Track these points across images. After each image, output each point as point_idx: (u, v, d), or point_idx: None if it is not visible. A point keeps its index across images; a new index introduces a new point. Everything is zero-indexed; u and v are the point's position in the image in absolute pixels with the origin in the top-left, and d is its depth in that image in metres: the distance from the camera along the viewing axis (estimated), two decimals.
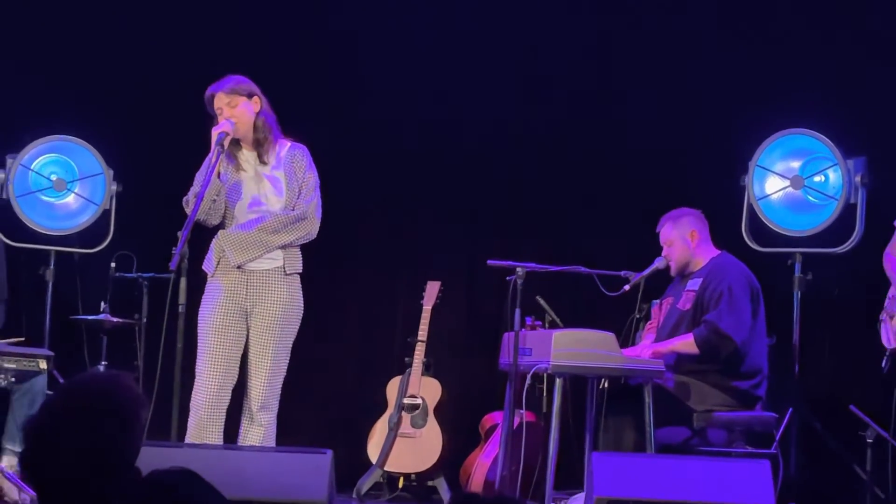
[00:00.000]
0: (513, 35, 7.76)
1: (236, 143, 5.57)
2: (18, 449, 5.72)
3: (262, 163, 5.56)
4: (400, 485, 6.88)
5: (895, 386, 5.79)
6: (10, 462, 5.88)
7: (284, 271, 5.53)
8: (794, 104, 6.95)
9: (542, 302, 6.72)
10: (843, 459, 6.43)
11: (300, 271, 5.60)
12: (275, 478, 4.50)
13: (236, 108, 5.51)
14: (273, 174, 5.57)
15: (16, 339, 6.27)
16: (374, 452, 6.84)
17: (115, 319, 6.93)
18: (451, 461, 6.93)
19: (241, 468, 4.50)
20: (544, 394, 6.70)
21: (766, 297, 6.25)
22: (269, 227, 5.49)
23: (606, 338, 5.74)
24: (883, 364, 5.75)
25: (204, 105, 5.58)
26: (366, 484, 6.82)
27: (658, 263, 6.29)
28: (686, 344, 6.06)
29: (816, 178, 6.80)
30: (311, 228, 5.57)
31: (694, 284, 6.23)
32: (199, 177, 5.47)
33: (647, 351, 6.04)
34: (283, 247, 5.52)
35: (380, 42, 7.76)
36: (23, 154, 7.17)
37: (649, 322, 6.44)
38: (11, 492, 5.54)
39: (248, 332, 5.51)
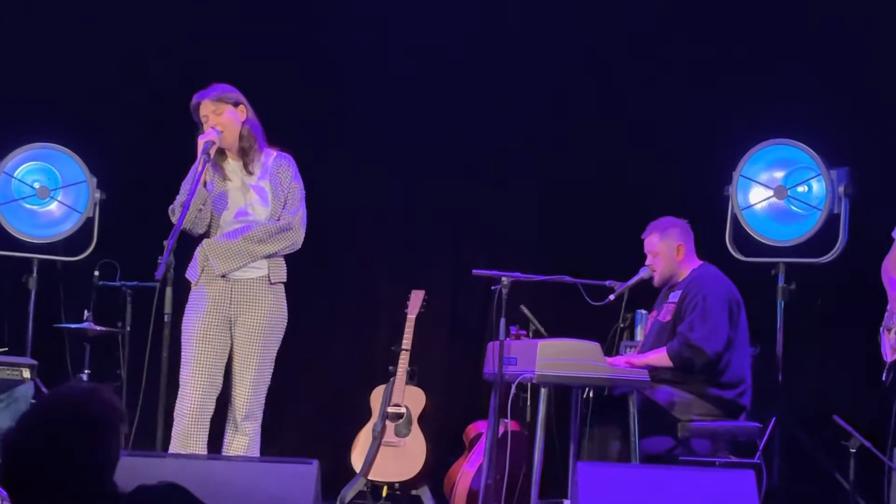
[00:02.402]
0: (499, 44, 7.76)
1: (222, 152, 5.55)
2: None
3: (248, 172, 5.55)
4: (384, 494, 6.86)
5: (894, 397, 5.80)
6: None
7: (269, 280, 5.52)
8: (778, 115, 6.97)
9: (526, 311, 6.72)
10: (827, 469, 6.44)
11: (285, 280, 5.58)
12: (260, 488, 4.48)
13: (222, 115, 5.50)
14: (259, 184, 5.55)
15: None
16: (357, 461, 6.83)
17: (98, 328, 6.91)
18: (436, 470, 6.93)
19: (226, 478, 4.47)
20: (528, 403, 6.71)
21: (749, 307, 6.25)
22: (255, 237, 5.47)
23: (591, 348, 5.74)
24: (883, 377, 5.76)
25: (189, 113, 5.56)
26: (349, 493, 6.80)
27: (643, 273, 6.30)
28: (660, 357, 6.07)
29: (800, 189, 6.83)
30: (296, 239, 5.56)
31: (675, 297, 6.24)
32: (185, 186, 5.45)
33: (621, 363, 6.04)
34: (268, 256, 5.51)
35: (367, 51, 7.76)
36: (5, 162, 7.15)
37: (640, 340, 6.45)
38: None
39: (232, 341, 5.50)
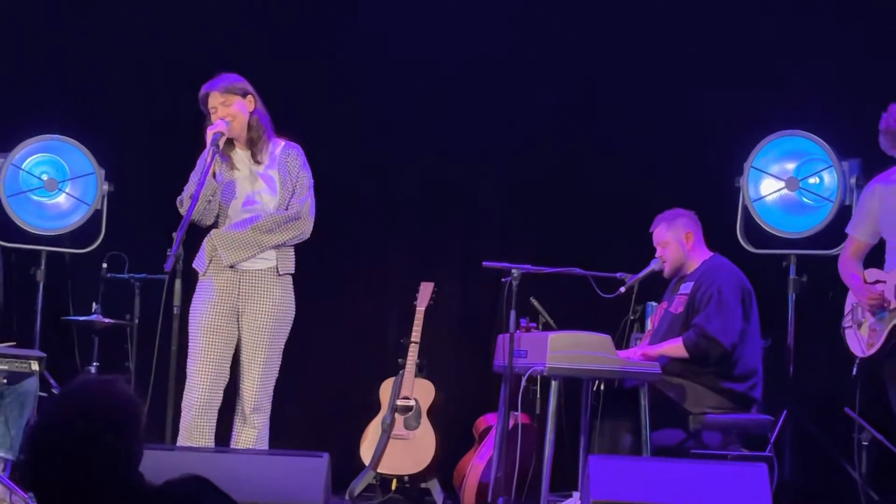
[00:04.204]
0: (507, 39, 7.73)
1: (230, 142, 5.54)
2: (8, 455, 5.67)
3: (256, 162, 5.53)
4: (393, 487, 6.85)
5: (857, 391, 5.79)
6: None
7: (277, 271, 5.51)
8: (789, 106, 6.94)
9: (535, 303, 6.70)
10: (838, 462, 6.41)
11: (293, 272, 5.57)
12: (271, 481, 4.47)
13: (231, 107, 5.48)
14: (267, 173, 5.54)
15: (8, 343, 6.22)
16: (367, 454, 6.81)
17: (106, 320, 6.89)
18: (445, 463, 6.91)
19: (236, 471, 4.47)
20: (538, 396, 6.68)
21: (760, 299, 6.23)
22: (263, 227, 5.46)
23: (602, 340, 5.71)
24: (853, 372, 5.75)
25: (197, 104, 5.55)
26: (358, 486, 6.79)
27: (653, 265, 6.28)
28: (675, 348, 6.04)
29: (811, 180, 6.80)
30: (304, 228, 5.54)
31: (686, 288, 6.21)
32: (194, 177, 5.44)
33: (637, 354, 6.02)
34: (277, 247, 5.49)
35: (378, 43, 7.72)
36: (14, 153, 7.13)
37: (648, 330, 6.43)
38: (4, 494, 5.50)
39: (239, 332, 5.48)
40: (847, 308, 5.83)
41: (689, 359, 6.01)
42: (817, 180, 6.79)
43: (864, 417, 5.92)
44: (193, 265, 5.53)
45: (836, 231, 6.66)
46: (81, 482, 2.38)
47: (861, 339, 5.70)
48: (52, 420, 2.43)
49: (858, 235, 5.84)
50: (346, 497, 6.74)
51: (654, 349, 6.06)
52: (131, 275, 7.01)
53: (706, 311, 6.01)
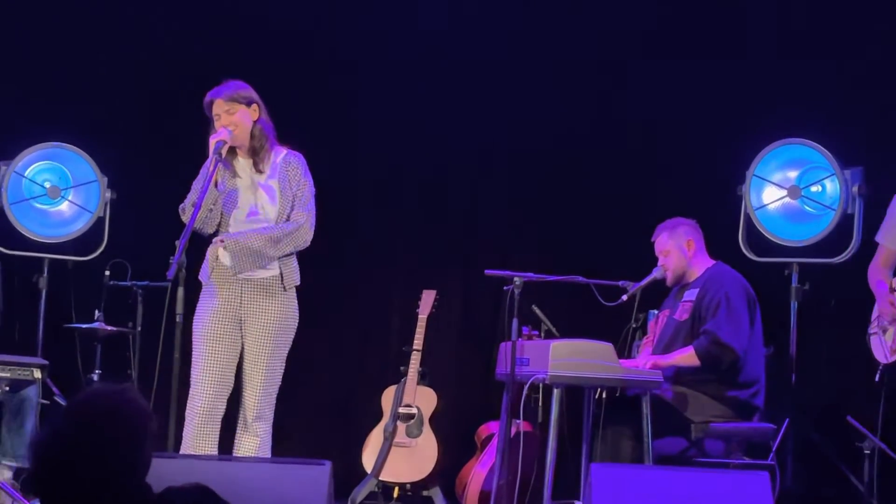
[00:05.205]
0: (507, 44, 7.73)
1: (232, 150, 5.53)
2: (11, 463, 5.67)
3: (258, 171, 5.52)
4: (395, 494, 6.85)
5: (881, 399, 5.79)
6: (2, 474, 5.83)
7: (280, 281, 5.50)
8: (791, 114, 6.94)
9: (537, 311, 6.69)
10: (840, 470, 6.41)
11: (298, 283, 5.56)
12: (273, 490, 4.45)
13: (234, 115, 5.47)
14: (268, 183, 5.53)
15: None
16: (369, 462, 6.82)
17: (109, 328, 6.89)
18: (447, 471, 6.91)
19: (239, 480, 4.45)
20: (540, 404, 6.68)
21: (763, 307, 6.23)
22: (273, 238, 5.44)
23: (604, 348, 5.71)
24: (877, 378, 5.76)
25: (200, 112, 5.54)
26: (361, 493, 6.79)
27: (656, 273, 6.28)
28: (687, 357, 6.03)
29: (814, 188, 6.80)
30: (306, 238, 5.53)
31: (691, 295, 6.21)
32: (197, 185, 5.44)
33: (647, 364, 6.00)
34: (280, 257, 5.49)
35: (379, 51, 7.73)
36: (16, 161, 7.14)
37: (646, 337, 6.42)
38: (7, 502, 5.50)
39: (242, 340, 5.48)
40: (874, 315, 5.84)
41: (701, 367, 6.00)
42: (819, 189, 6.79)
43: (886, 423, 5.91)
44: (199, 277, 5.52)
45: (838, 239, 6.68)
46: (89, 491, 2.38)
47: (885, 344, 5.72)
48: (61, 430, 2.43)
49: (888, 243, 5.85)
50: None
51: (665, 360, 6.04)
52: (134, 282, 7.02)
53: (716, 317, 6.01)
